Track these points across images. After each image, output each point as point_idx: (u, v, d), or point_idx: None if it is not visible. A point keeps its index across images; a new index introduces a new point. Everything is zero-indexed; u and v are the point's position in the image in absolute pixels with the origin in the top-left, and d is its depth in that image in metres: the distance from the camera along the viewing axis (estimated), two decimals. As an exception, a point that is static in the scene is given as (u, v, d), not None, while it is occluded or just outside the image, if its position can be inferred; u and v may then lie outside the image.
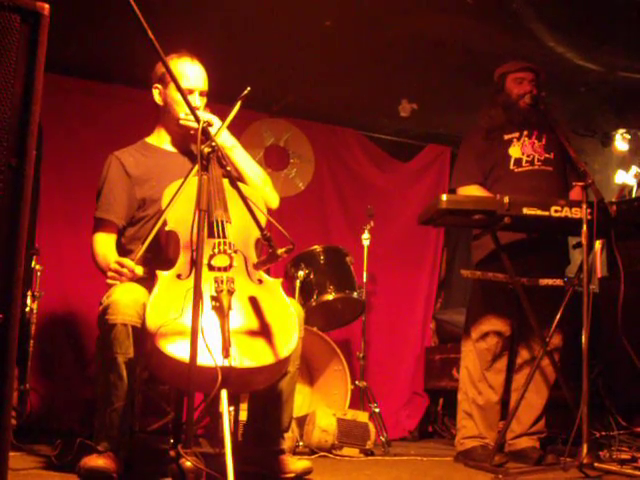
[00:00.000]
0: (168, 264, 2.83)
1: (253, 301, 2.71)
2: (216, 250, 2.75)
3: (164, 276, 2.74)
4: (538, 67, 4.12)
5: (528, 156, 4.03)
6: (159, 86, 3.28)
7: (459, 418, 4.03)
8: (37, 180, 5.06)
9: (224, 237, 2.82)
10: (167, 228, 2.90)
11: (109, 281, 2.84)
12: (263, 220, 2.78)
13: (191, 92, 3.19)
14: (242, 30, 4.83)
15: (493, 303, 3.95)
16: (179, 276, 2.75)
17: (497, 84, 4.17)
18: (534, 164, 4.02)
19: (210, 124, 2.78)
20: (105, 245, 3.14)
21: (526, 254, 3.85)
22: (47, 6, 1.57)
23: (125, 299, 2.73)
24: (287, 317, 2.75)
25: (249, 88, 3.01)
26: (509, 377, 4.02)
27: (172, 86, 3.22)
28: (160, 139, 3.34)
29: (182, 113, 3.19)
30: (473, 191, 3.97)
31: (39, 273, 4.67)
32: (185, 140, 3.34)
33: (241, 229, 2.94)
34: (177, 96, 3.20)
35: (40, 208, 5.12)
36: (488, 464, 3.54)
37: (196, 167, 2.89)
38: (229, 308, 2.51)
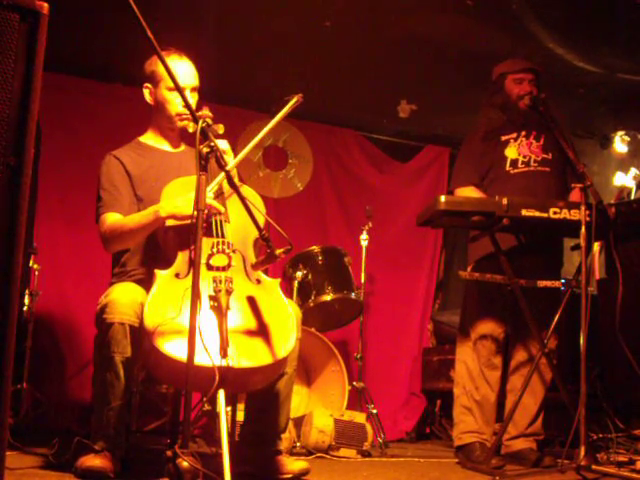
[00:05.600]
0: (166, 263, 2.82)
1: (251, 301, 2.71)
2: (215, 249, 2.75)
3: (162, 275, 2.74)
4: (538, 67, 4.12)
5: (524, 157, 4.03)
6: (149, 85, 3.25)
7: (457, 413, 4.02)
8: (35, 179, 5.06)
9: (223, 236, 2.82)
10: (166, 225, 2.89)
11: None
12: (261, 220, 2.77)
13: (184, 89, 3.16)
14: (241, 30, 4.83)
15: (489, 304, 3.95)
16: (177, 275, 2.74)
17: (496, 83, 4.16)
18: (530, 165, 4.02)
19: (225, 152, 2.90)
20: (122, 218, 3.03)
21: (522, 256, 3.85)
22: (46, 5, 1.57)
23: (123, 299, 2.72)
24: (285, 317, 2.74)
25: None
26: (504, 377, 4.01)
27: (162, 85, 3.20)
28: (154, 138, 3.32)
29: (179, 106, 3.17)
30: (468, 192, 3.98)
31: (37, 272, 4.67)
32: (178, 138, 3.33)
33: (239, 229, 2.93)
34: (168, 95, 3.19)
35: (38, 207, 5.12)
36: (486, 466, 3.53)
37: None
38: (227, 308, 2.51)
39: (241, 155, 3.14)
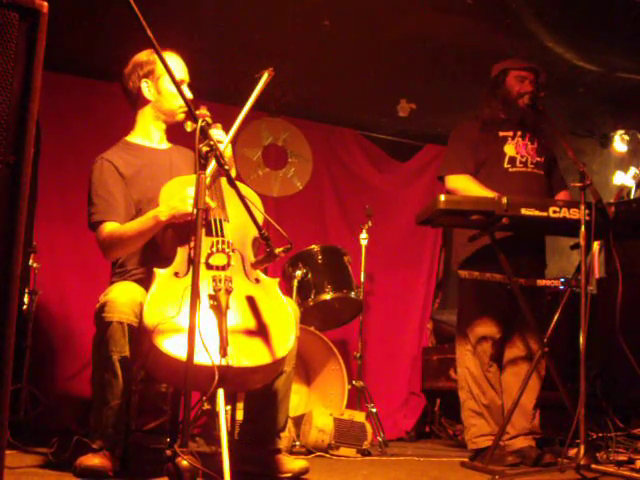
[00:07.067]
0: (165, 262, 2.82)
1: (250, 300, 2.71)
2: (214, 249, 2.76)
3: (161, 274, 2.74)
4: (540, 68, 4.11)
5: (522, 156, 4.03)
6: (148, 81, 3.25)
7: (466, 416, 4.01)
8: (35, 178, 5.06)
9: (222, 236, 2.82)
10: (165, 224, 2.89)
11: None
12: (261, 219, 2.77)
13: (182, 83, 3.18)
14: (240, 29, 4.83)
15: (485, 305, 3.95)
16: (177, 274, 2.74)
17: (497, 78, 4.14)
18: (527, 166, 4.02)
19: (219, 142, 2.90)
20: (120, 226, 3.02)
21: (508, 256, 3.82)
22: (46, 4, 1.57)
23: (122, 298, 2.72)
24: (284, 317, 2.75)
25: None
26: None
27: (164, 79, 3.21)
28: (142, 136, 3.30)
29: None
30: (464, 181, 3.95)
31: (36, 271, 4.67)
32: (166, 135, 3.34)
33: (239, 228, 2.94)
34: (173, 88, 3.20)
35: (38, 206, 5.12)
36: (500, 465, 3.55)
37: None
38: (227, 307, 2.51)
39: (228, 138, 3.12)
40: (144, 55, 3.25)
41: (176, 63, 3.21)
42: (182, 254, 2.81)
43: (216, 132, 3.02)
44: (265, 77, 3.23)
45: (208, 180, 2.87)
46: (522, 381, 3.65)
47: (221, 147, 2.97)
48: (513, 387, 3.81)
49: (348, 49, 5.08)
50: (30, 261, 4.64)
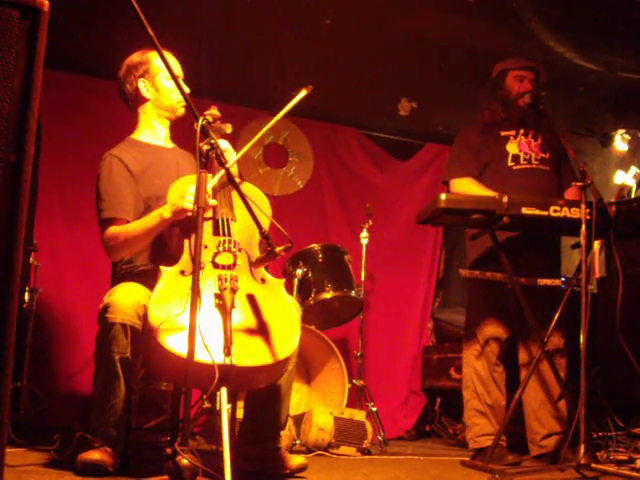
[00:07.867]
0: (172, 260, 2.83)
1: (256, 300, 2.71)
2: (221, 248, 2.76)
3: (167, 272, 2.74)
4: (540, 66, 4.12)
5: (526, 154, 4.03)
6: (145, 80, 3.26)
7: (469, 416, 4.01)
8: (35, 176, 5.06)
9: (229, 235, 2.83)
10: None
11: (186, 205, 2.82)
12: (263, 219, 2.76)
13: (177, 78, 3.19)
14: (241, 28, 4.83)
15: (493, 304, 3.95)
16: (182, 272, 2.74)
17: (496, 79, 4.15)
18: (532, 162, 4.02)
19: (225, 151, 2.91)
20: (125, 225, 3.03)
21: (519, 254, 3.82)
22: (47, 2, 1.57)
23: (126, 299, 2.73)
24: (289, 317, 2.75)
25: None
26: (509, 377, 4.01)
27: (162, 76, 3.23)
28: (150, 133, 3.31)
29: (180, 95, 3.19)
30: (467, 184, 3.97)
31: (37, 269, 4.67)
32: (170, 133, 3.35)
33: (246, 228, 2.94)
34: (169, 84, 3.22)
35: (38, 204, 5.12)
36: (500, 464, 3.54)
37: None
38: (232, 306, 2.51)
39: (245, 148, 3.15)
40: (137, 56, 3.28)
41: (172, 60, 3.22)
42: (188, 252, 2.81)
43: (224, 144, 3.03)
44: (302, 94, 3.24)
45: (216, 182, 2.88)
46: (524, 379, 3.65)
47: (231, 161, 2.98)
48: (533, 388, 3.82)
49: (349, 48, 5.08)
50: (30, 259, 4.64)
